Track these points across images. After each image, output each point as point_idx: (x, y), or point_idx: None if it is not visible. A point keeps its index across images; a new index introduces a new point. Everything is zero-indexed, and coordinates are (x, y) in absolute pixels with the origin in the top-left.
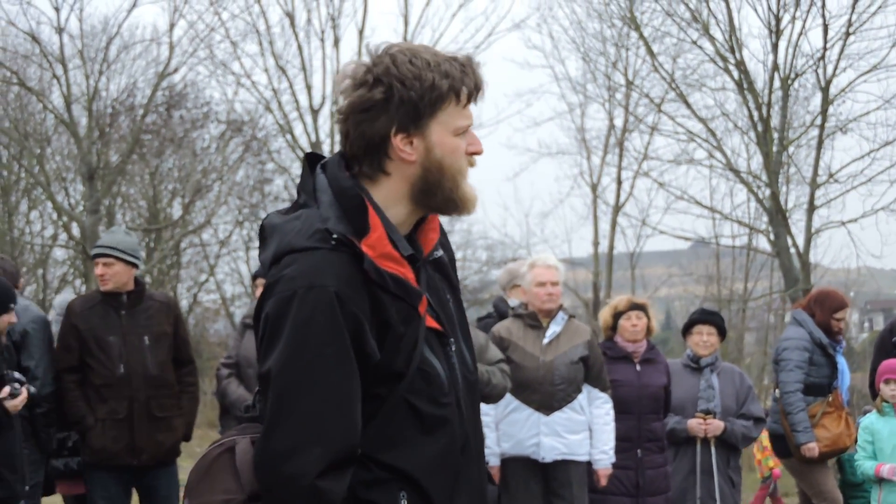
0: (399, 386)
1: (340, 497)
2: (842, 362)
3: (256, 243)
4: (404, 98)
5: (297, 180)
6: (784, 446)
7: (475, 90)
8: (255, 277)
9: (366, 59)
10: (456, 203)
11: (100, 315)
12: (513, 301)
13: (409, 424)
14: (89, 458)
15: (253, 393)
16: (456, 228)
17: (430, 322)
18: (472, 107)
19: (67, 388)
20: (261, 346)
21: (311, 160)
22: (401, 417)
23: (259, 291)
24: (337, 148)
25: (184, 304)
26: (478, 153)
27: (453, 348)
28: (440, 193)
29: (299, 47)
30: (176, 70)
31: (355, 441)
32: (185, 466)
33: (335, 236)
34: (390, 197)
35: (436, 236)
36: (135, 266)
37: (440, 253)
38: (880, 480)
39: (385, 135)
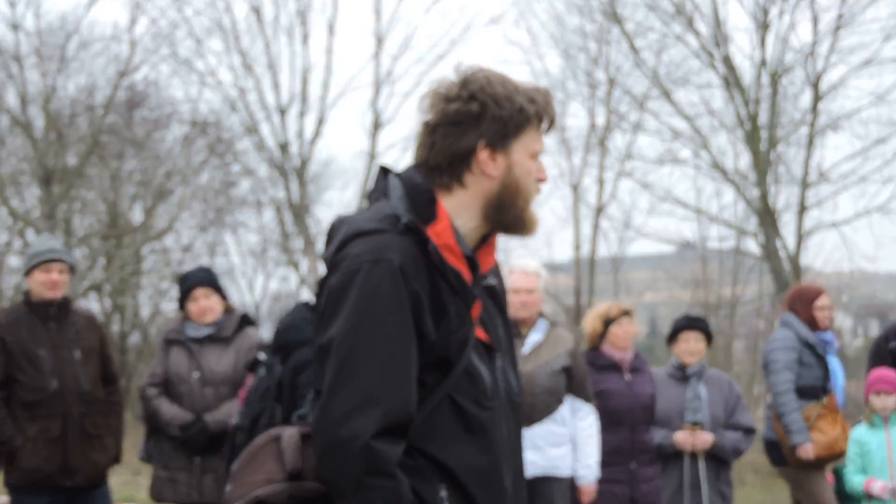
0: (446, 381)
1: (394, 461)
2: (834, 363)
3: (220, 249)
4: (496, 115)
5: (264, 183)
6: (779, 454)
7: (552, 120)
8: (191, 287)
9: (453, 76)
10: (524, 222)
11: (27, 327)
12: None
13: (453, 421)
14: (17, 480)
15: (186, 409)
16: None
17: (480, 333)
18: (545, 135)
19: None
20: (321, 320)
21: (384, 170)
22: (445, 412)
23: (196, 304)
24: (305, 149)
25: (145, 312)
26: (543, 180)
27: (498, 364)
28: (512, 211)
29: (266, 44)
30: (137, 68)
31: (412, 409)
32: (114, 488)
33: (404, 221)
34: (461, 208)
35: (493, 261)
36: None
37: (494, 282)
38: (870, 497)
39: (472, 148)
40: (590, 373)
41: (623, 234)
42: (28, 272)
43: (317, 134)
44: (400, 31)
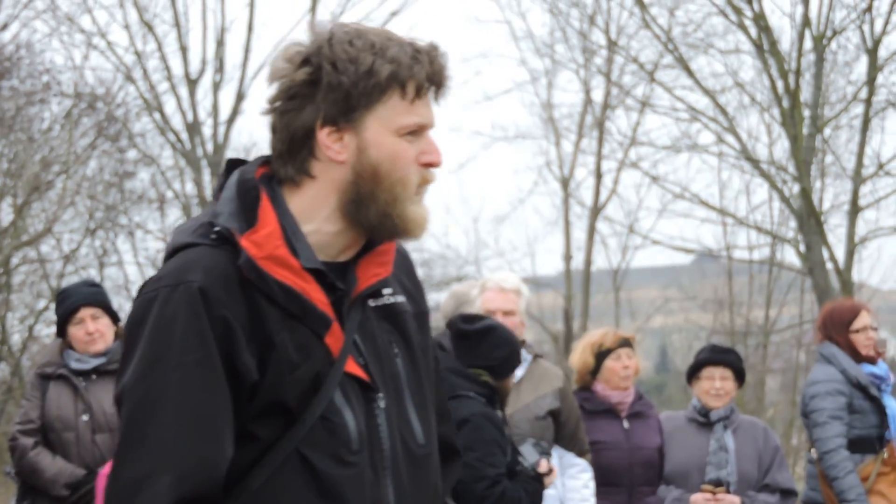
0: (290, 434)
1: None
2: (892, 404)
3: (112, 258)
4: (334, 83)
5: (168, 175)
6: None
7: (429, 82)
8: (74, 308)
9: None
10: (393, 221)
11: None
12: None
13: (303, 484)
14: None
15: (74, 462)
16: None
17: (353, 367)
18: (429, 103)
19: None
20: (120, 363)
21: (234, 165)
22: (292, 472)
23: (81, 328)
24: (220, 131)
25: (16, 338)
26: (433, 165)
27: (381, 405)
28: (374, 206)
29: None
30: (5, 26)
31: (217, 472)
32: None
33: (216, 229)
34: (314, 205)
35: (383, 272)
36: None
37: (396, 300)
38: None
39: (310, 127)
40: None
41: (626, 241)
42: None
43: (235, 112)
44: None
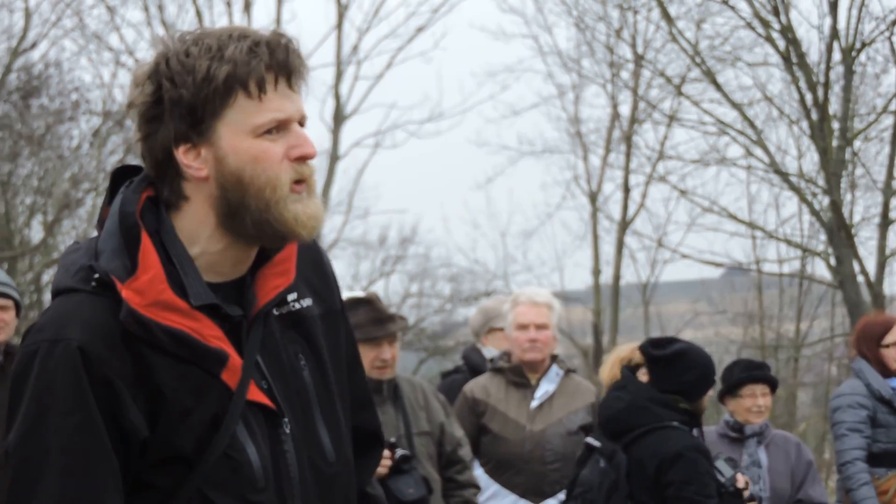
0: (192, 475)
1: None
2: None
3: None
4: (175, 98)
5: None
6: None
7: (276, 74)
8: None
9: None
10: (272, 226)
11: None
12: (490, 351)
13: None
14: None
15: None
16: (410, 253)
17: (256, 394)
18: (285, 95)
19: None
20: (9, 415)
21: (118, 176)
22: None
23: None
24: None
25: None
26: (305, 157)
27: (287, 430)
28: (248, 215)
29: (198, 13)
30: (34, 45)
31: None
32: None
33: (96, 275)
34: (196, 227)
35: (283, 282)
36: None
37: (302, 304)
38: None
39: (168, 148)
40: None
41: (655, 255)
42: None
43: None
44: None
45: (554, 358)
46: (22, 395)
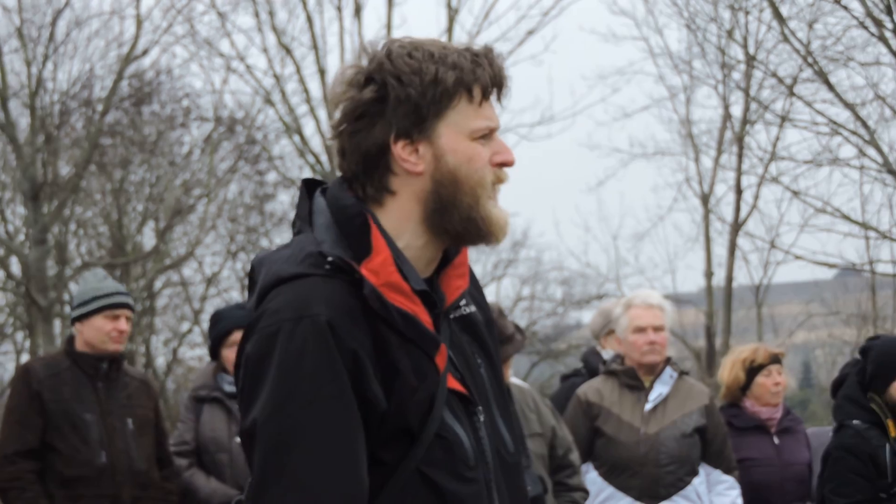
0: (411, 455)
1: None
2: None
3: None
4: (401, 97)
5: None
6: None
7: (492, 85)
8: (228, 330)
9: (363, 59)
10: (478, 224)
11: (70, 384)
12: (609, 353)
13: (426, 503)
14: None
15: (228, 483)
16: (521, 256)
17: (453, 383)
18: (495, 107)
19: (23, 480)
20: (242, 397)
21: (310, 186)
22: (416, 492)
23: (233, 349)
24: None
25: (160, 361)
26: (506, 164)
27: (482, 419)
28: (457, 212)
29: (308, 19)
30: (145, 52)
31: (363, 502)
32: None
33: (330, 259)
34: (401, 221)
35: (463, 284)
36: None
37: (471, 309)
38: None
39: (384, 144)
40: (729, 435)
41: (768, 257)
42: (82, 317)
43: None
44: None
45: (667, 360)
46: (264, 374)
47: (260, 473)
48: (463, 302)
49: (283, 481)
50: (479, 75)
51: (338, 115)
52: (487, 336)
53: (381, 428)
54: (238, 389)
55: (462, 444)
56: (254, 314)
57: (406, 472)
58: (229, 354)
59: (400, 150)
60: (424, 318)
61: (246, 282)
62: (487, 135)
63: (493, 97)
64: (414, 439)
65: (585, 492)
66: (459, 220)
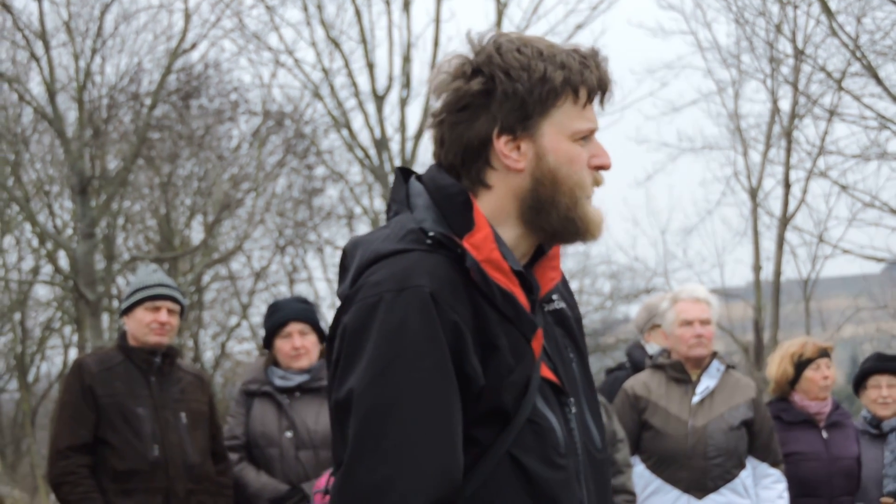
0: (504, 436)
1: None
2: None
3: (302, 275)
4: (509, 92)
5: (357, 191)
6: None
7: (598, 88)
8: (283, 322)
9: (467, 50)
10: (575, 224)
11: (123, 379)
12: (652, 347)
13: (516, 487)
14: None
15: (278, 478)
16: (569, 250)
17: (546, 371)
18: (596, 108)
19: (76, 475)
20: (336, 368)
21: (405, 174)
22: (505, 475)
23: (289, 343)
24: (408, 146)
25: (208, 355)
26: (604, 167)
27: (573, 410)
28: (555, 212)
29: (357, 13)
30: (194, 46)
31: (459, 476)
32: None
33: (431, 234)
34: (495, 215)
35: (557, 276)
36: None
37: (562, 305)
38: None
39: (486, 137)
40: (777, 429)
41: (816, 251)
42: (128, 310)
43: (422, 127)
44: None
45: (714, 354)
46: (362, 344)
47: (355, 443)
48: (555, 297)
49: (380, 451)
50: (587, 77)
51: (439, 104)
52: (579, 334)
53: (476, 405)
54: (332, 361)
55: (554, 431)
56: (349, 291)
57: (497, 454)
58: (282, 345)
59: (502, 145)
60: (522, 299)
61: (296, 276)
62: (587, 136)
63: (596, 99)
64: (507, 421)
65: (632, 494)
66: (557, 219)
